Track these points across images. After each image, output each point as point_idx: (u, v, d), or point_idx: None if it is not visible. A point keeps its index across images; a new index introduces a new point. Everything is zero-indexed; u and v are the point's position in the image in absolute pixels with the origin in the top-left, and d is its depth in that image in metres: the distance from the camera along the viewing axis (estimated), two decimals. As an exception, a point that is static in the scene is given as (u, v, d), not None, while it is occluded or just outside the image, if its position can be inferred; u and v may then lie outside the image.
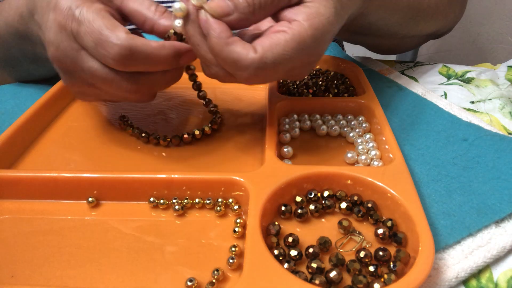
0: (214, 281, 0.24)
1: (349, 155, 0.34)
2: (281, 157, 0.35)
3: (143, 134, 0.38)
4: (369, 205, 0.29)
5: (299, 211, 0.28)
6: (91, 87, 0.33)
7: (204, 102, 0.41)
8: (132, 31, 0.31)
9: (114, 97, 0.34)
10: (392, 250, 0.26)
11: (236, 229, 0.28)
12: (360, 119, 0.39)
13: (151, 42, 0.30)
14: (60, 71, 0.34)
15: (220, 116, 0.40)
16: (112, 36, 0.29)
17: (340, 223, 0.28)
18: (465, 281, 0.25)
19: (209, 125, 0.38)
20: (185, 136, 0.37)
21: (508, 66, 0.50)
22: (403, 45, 0.56)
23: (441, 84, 0.47)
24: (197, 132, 0.37)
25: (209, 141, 0.38)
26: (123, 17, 0.34)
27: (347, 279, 0.25)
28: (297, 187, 0.30)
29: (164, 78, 0.33)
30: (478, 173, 0.32)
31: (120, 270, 0.26)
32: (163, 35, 0.33)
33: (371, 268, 0.24)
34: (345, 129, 0.37)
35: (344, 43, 0.75)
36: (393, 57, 1.04)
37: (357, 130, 0.37)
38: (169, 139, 0.37)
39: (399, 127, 0.38)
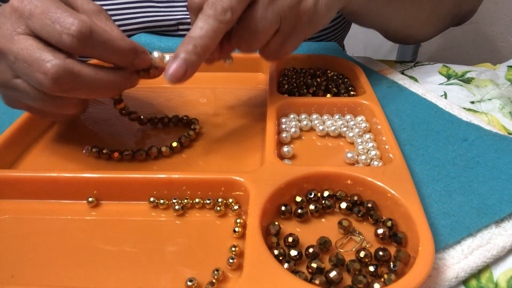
0: (214, 281, 0.24)
1: (349, 155, 0.34)
2: (281, 157, 0.35)
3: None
4: (369, 205, 0.29)
5: (299, 211, 0.28)
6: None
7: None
8: None
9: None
10: (392, 250, 0.26)
11: (236, 229, 0.28)
12: (360, 119, 0.39)
13: (112, 30, 0.31)
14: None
15: (195, 126, 0.39)
16: (70, 16, 0.28)
17: (340, 223, 0.28)
18: (465, 281, 0.25)
19: (188, 134, 0.38)
20: (183, 140, 0.37)
21: (508, 66, 0.50)
22: (419, 27, 0.55)
23: (441, 84, 0.47)
24: (174, 144, 0.36)
25: (209, 141, 0.38)
26: None
27: (347, 279, 0.25)
28: (297, 187, 0.30)
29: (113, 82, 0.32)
30: (478, 173, 0.32)
31: (120, 270, 0.26)
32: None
33: (371, 268, 0.24)
34: (345, 129, 0.37)
35: (345, 43, 0.75)
36: (393, 57, 1.04)
37: (356, 130, 0.37)
38: (170, 149, 0.36)
39: (399, 127, 0.38)
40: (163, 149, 0.36)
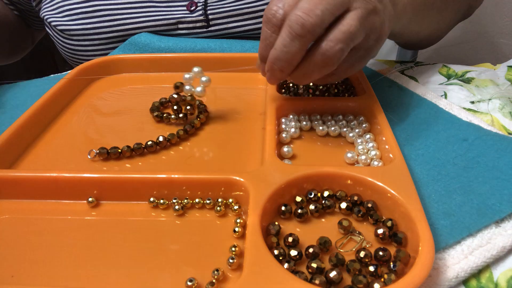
0: (214, 281, 0.24)
1: (349, 155, 0.34)
2: (281, 157, 0.35)
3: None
4: (369, 205, 0.28)
5: (299, 211, 0.28)
6: None
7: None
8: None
9: None
10: (392, 250, 0.26)
11: (236, 229, 0.28)
12: (360, 119, 0.39)
13: None
14: None
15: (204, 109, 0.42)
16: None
17: (340, 223, 0.28)
18: (465, 281, 0.25)
19: (198, 119, 0.40)
20: (188, 128, 0.38)
21: (508, 66, 0.50)
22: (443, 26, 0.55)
23: (441, 84, 0.46)
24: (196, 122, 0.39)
25: (209, 141, 0.38)
26: None
27: (347, 279, 0.25)
28: (297, 187, 0.30)
29: None
30: (478, 173, 0.32)
31: (120, 270, 0.26)
32: None
33: (371, 268, 0.24)
34: (345, 129, 0.37)
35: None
36: (393, 57, 1.04)
37: (357, 130, 0.37)
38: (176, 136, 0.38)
39: (399, 127, 0.38)
40: (170, 136, 0.37)
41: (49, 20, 0.59)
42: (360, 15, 0.31)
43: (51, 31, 0.61)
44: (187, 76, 0.40)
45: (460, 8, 0.54)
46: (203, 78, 0.40)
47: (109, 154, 0.36)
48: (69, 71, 0.49)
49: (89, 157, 0.36)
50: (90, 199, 0.30)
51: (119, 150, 0.36)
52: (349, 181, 0.30)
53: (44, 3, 0.60)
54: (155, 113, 0.41)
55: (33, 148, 0.38)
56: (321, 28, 0.31)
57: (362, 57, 0.35)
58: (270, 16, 0.32)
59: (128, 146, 0.36)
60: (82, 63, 0.50)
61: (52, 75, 0.54)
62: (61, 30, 0.58)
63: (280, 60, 0.32)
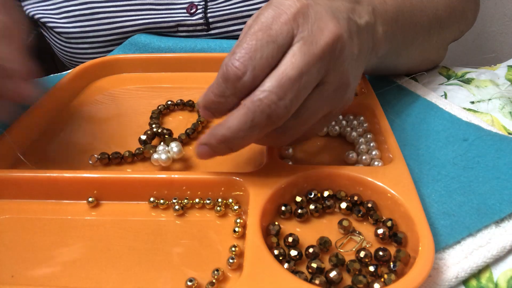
0: (214, 281, 0.24)
1: (349, 155, 0.34)
2: (281, 157, 0.34)
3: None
4: (369, 205, 0.29)
5: (299, 211, 0.28)
6: None
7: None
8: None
9: None
10: (392, 250, 0.26)
11: (236, 229, 0.28)
12: (360, 119, 0.39)
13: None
14: None
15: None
16: None
17: (340, 223, 0.28)
18: (465, 281, 0.25)
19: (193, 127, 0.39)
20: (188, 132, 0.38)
21: (508, 66, 0.50)
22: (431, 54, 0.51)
23: (441, 84, 0.46)
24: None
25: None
26: None
27: (347, 279, 0.25)
28: (297, 187, 0.30)
29: None
30: (478, 173, 0.32)
31: (120, 270, 0.26)
32: None
33: (371, 268, 0.24)
34: (345, 129, 0.37)
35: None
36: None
37: (357, 130, 0.37)
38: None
39: (399, 127, 0.38)
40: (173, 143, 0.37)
41: (43, 20, 0.58)
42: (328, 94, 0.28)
43: (47, 33, 0.61)
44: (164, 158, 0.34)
45: (451, 33, 0.49)
46: (175, 149, 0.35)
47: (110, 160, 0.35)
48: (69, 70, 0.49)
49: (90, 162, 0.35)
50: (90, 199, 0.30)
51: (121, 156, 0.35)
52: (349, 181, 0.30)
53: None
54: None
55: (33, 148, 0.38)
56: (287, 118, 0.26)
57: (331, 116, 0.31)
58: (233, 77, 0.26)
59: (129, 151, 0.35)
60: None
61: (52, 75, 0.54)
62: (58, 33, 0.58)
63: (230, 142, 0.27)
